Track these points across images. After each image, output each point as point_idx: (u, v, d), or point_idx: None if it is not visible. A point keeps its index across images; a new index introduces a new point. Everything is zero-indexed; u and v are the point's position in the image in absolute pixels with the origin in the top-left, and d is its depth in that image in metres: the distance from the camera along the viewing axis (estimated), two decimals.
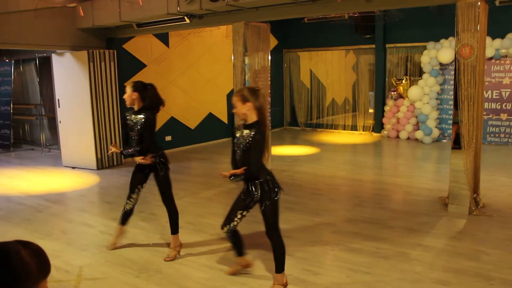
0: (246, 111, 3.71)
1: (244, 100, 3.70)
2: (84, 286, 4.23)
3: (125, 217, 5.02)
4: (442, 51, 10.93)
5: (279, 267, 3.95)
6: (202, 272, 4.38)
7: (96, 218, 6.32)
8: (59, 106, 9.70)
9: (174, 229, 4.88)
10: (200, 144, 11.70)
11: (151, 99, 4.61)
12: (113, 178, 8.60)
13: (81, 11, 8.00)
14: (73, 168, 9.40)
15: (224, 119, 12.49)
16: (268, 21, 7.90)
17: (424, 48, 11.55)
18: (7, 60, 12.11)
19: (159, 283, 4.20)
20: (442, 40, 11.14)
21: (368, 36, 12.71)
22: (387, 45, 12.53)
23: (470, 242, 5.02)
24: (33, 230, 5.83)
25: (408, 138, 11.95)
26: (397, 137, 12.21)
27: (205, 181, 8.09)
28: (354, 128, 13.65)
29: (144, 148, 4.61)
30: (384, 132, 12.55)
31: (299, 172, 8.66)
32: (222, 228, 4.05)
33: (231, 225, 4.04)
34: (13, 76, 11.91)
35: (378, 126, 12.90)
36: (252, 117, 3.72)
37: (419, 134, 11.53)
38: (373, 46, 12.75)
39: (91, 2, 8.39)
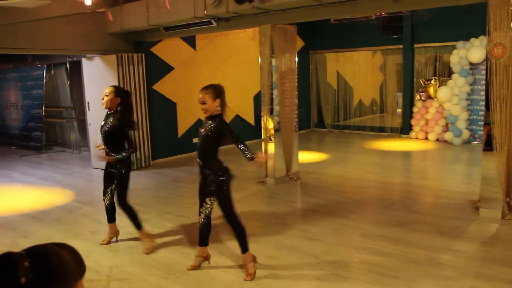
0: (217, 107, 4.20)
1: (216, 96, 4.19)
2: (113, 286, 4.30)
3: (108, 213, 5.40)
4: (473, 51, 10.71)
5: (243, 248, 4.35)
6: (230, 275, 4.40)
7: (125, 219, 6.36)
8: (89, 109, 9.88)
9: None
10: (227, 146, 11.72)
11: (129, 105, 5.08)
12: (141, 180, 8.70)
13: (110, 15, 8.14)
14: (102, 170, 9.53)
15: (251, 121, 12.51)
16: (295, 23, 7.88)
17: (454, 47, 11.33)
18: (39, 65, 12.41)
19: (186, 285, 4.24)
20: (472, 39, 10.90)
21: (396, 36, 12.54)
22: (415, 45, 12.34)
23: (503, 247, 4.89)
24: (64, 230, 5.96)
25: (437, 140, 11.74)
26: (426, 138, 12.01)
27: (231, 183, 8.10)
28: (381, 129, 13.49)
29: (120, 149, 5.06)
30: (413, 134, 12.36)
31: (325, 174, 8.61)
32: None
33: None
34: (45, 80, 12.20)
35: (406, 128, 12.72)
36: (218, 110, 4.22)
37: (448, 136, 11.32)
38: (401, 46, 12.57)
39: (119, 7, 8.53)
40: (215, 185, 4.26)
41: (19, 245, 5.47)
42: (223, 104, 4.25)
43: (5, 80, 13.75)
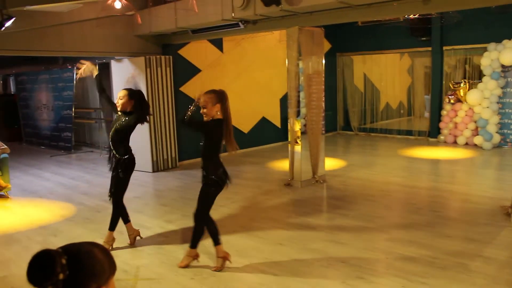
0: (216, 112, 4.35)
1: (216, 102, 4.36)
2: (140, 286, 4.35)
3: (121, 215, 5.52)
4: (505, 53, 10.48)
5: (215, 241, 4.56)
6: (255, 277, 4.40)
7: (152, 220, 6.48)
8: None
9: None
10: (253, 148, 11.76)
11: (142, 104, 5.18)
12: (168, 181, 8.80)
13: (139, 18, 8.25)
14: None
15: (277, 123, 12.51)
16: (322, 26, 7.85)
17: (485, 49, 11.11)
18: (69, 67, 12.67)
19: (213, 286, 4.26)
20: (505, 41, 10.66)
21: (424, 38, 12.37)
22: (444, 48, 12.13)
23: None
24: (92, 230, 6.07)
25: (466, 144, 11.53)
26: (455, 142, 11.80)
27: (258, 185, 8.13)
28: (409, 133, 13.30)
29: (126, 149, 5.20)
30: (441, 137, 12.16)
31: (352, 177, 8.54)
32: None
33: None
34: (75, 81, 12.45)
35: (434, 131, 12.52)
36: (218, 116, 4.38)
37: (478, 140, 11.10)
38: (430, 48, 12.38)
39: (148, 10, 8.65)
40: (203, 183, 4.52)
41: (51, 242, 5.60)
42: (224, 110, 4.38)
43: (37, 82, 14.08)
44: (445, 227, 5.66)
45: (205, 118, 4.40)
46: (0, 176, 7.59)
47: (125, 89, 5.22)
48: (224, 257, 4.60)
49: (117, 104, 5.14)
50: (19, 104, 15.44)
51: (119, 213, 5.33)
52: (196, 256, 4.69)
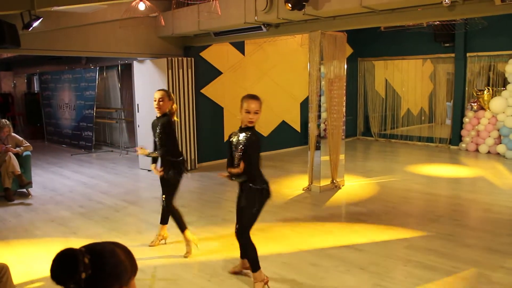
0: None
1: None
2: (157, 286, 4.37)
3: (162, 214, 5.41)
4: None
5: (254, 267, 4.10)
6: (273, 281, 4.38)
7: (170, 221, 6.49)
8: (138, 111, 10.13)
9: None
10: (272, 152, 11.75)
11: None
12: (187, 182, 8.83)
13: (162, 20, 8.32)
14: (149, 171, 9.76)
15: (297, 127, 12.48)
16: (345, 30, 7.82)
17: (510, 56, 10.94)
18: (92, 67, 12.84)
19: None
20: None
21: (448, 44, 12.24)
22: (468, 54, 11.97)
23: None
24: (110, 229, 6.12)
25: (489, 152, 11.34)
26: (476, 150, 11.63)
27: (276, 189, 8.11)
28: (430, 140, 13.14)
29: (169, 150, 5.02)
30: (463, 145, 11.99)
31: (371, 183, 8.47)
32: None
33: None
34: (97, 81, 12.60)
35: (455, 139, 12.35)
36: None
37: (500, 148, 10.92)
38: (453, 55, 12.24)
39: (171, 12, 8.71)
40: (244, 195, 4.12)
41: (70, 240, 5.67)
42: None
43: (60, 81, 14.30)
44: (466, 237, 5.57)
45: (251, 125, 4.06)
46: (23, 173, 7.71)
47: (162, 90, 5.06)
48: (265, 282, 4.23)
49: (155, 107, 4.96)
50: (42, 102, 15.70)
51: (170, 211, 5.18)
52: (265, 281, 4.20)
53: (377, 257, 4.94)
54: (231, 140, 4.16)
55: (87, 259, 1.40)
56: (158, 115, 5.05)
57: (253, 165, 4.00)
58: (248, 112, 4.00)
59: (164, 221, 5.37)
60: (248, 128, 4.03)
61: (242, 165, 3.93)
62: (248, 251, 4.13)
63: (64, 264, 1.40)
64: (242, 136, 4.02)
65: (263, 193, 4.04)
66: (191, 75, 9.70)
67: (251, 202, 4.02)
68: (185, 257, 5.00)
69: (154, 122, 5.10)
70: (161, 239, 5.45)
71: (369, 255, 5.00)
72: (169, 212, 5.17)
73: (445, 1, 5.53)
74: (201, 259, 4.99)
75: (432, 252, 5.04)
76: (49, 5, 4.63)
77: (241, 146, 3.97)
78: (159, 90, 5.06)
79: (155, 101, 4.97)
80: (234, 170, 3.97)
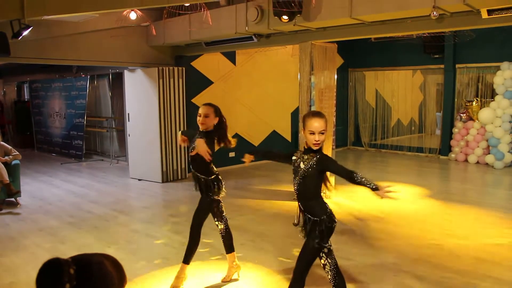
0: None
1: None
2: None
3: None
4: None
5: None
6: None
7: (160, 230, 6.48)
8: (128, 120, 10.10)
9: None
10: (262, 162, 11.74)
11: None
12: (177, 192, 8.81)
13: (154, 30, 8.34)
14: (139, 180, 9.73)
15: (288, 137, 12.50)
16: (335, 41, 7.88)
17: (498, 68, 11.07)
18: (83, 76, 12.80)
19: None
20: None
21: (437, 56, 12.36)
22: (457, 65, 12.10)
23: None
24: (100, 238, 6.08)
25: (478, 163, 11.43)
26: (466, 160, 11.71)
27: (267, 198, 8.10)
28: (419, 150, 13.22)
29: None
30: (452, 155, 12.08)
31: (360, 192, 8.47)
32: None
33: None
34: (88, 90, 12.56)
35: (445, 149, 12.44)
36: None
37: (489, 159, 11.00)
38: (442, 66, 12.37)
39: (163, 22, 8.73)
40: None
41: (59, 250, 5.62)
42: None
43: (50, 90, 14.24)
44: (455, 247, 5.59)
45: (317, 148, 3.38)
46: (11, 182, 7.64)
47: (209, 105, 4.50)
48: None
49: (199, 122, 4.41)
50: (32, 111, 15.61)
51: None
52: None
53: (366, 267, 4.95)
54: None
55: (73, 270, 1.39)
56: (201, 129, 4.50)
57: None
58: (312, 133, 3.30)
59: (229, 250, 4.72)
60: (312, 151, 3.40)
61: None
62: None
63: (49, 274, 1.39)
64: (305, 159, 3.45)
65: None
66: (182, 85, 9.71)
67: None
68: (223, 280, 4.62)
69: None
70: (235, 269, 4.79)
71: (358, 265, 5.00)
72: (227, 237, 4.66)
73: (433, 13, 5.59)
74: (191, 268, 4.95)
75: (420, 262, 5.07)
76: (39, 14, 4.62)
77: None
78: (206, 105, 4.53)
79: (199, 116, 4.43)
80: None
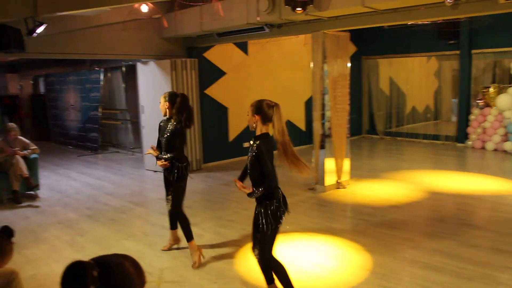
0: (254, 122, 3.78)
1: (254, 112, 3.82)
2: None
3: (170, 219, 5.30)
4: None
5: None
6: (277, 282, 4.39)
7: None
8: (143, 112, 10.16)
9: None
10: (276, 151, 11.72)
11: (178, 108, 4.89)
12: (192, 183, 8.81)
13: (165, 22, 8.34)
14: (154, 171, 9.80)
15: (302, 126, 12.47)
16: (348, 30, 7.81)
17: None
18: (97, 69, 12.89)
19: None
20: None
21: (452, 41, 12.17)
22: (473, 51, 11.91)
23: None
24: (117, 230, 6.16)
25: (495, 150, 11.29)
26: (483, 148, 11.58)
27: (282, 188, 8.10)
28: (435, 137, 13.10)
29: (175, 155, 4.95)
30: (469, 143, 11.95)
31: (376, 182, 8.46)
32: (253, 250, 3.93)
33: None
34: (102, 83, 12.66)
35: (462, 136, 12.31)
36: (261, 129, 3.79)
37: (508, 146, 10.86)
38: (458, 52, 12.18)
39: (174, 14, 8.73)
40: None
41: (78, 242, 5.71)
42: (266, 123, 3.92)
43: (65, 83, 14.37)
44: (472, 237, 5.55)
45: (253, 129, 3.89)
46: (30, 176, 7.76)
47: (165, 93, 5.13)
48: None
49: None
50: (48, 104, 15.79)
51: (184, 219, 5.02)
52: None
53: (383, 258, 4.94)
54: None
55: (96, 272, 1.43)
56: (164, 116, 5.10)
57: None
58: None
59: (173, 226, 5.28)
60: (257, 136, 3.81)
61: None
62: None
63: (73, 277, 1.43)
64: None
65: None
66: (195, 76, 9.73)
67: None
68: (194, 267, 4.84)
69: (163, 124, 5.11)
70: (173, 244, 5.38)
71: (374, 256, 5.00)
72: (177, 217, 5.06)
73: (447, 0, 5.51)
74: (207, 261, 5.00)
75: (437, 253, 5.04)
76: (52, 11, 4.66)
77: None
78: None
79: (160, 103, 5.06)
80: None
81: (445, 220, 6.25)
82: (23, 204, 7.61)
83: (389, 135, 14.14)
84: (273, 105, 3.81)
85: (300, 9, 6.14)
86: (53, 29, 7.22)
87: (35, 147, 8.14)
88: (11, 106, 17.23)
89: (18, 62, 15.81)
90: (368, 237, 5.59)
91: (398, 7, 6.40)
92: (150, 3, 6.55)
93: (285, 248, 5.31)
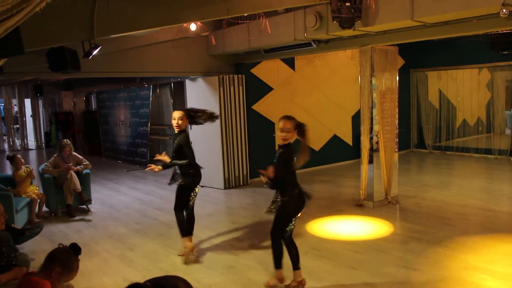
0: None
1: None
2: None
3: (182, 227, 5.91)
4: None
5: (295, 265, 4.61)
6: None
7: (223, 237, 6.58)
8: (190, 128, 10.33)
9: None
10: (324, 166, 11.66)
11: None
12: (239, 198, 8.91)
13: (213, 39, 8.51)
14: (201, 186, 9.90)
15: (349, 141, 12.33)
16: (396, 44, 7.70)
17: None
18: (146, 85, 13.25)
19: None
20: None
21: (506, 52, 11.77)
22: None
23: None
24: (166, 245, 6.26)
25: None
26: None
27: (328, 204, 8.04)
28: (488, 151, 12.64)
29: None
30: None
31: (426, 199, 8.24)
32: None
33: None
34: (151, 99, 12.98)
35: None
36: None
37: None
38: (511, 62, 11.77)
39: (222, 31, 8.89)
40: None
41: (128, 257, 5.84)
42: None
43: (116, 100, 14.83)
44: None
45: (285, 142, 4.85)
46: (83, 190, 8.03)
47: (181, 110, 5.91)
48: (301, 283, 4.61)
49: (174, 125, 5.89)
50: (99, 120, 16.33)
51: (181, 218, 5.91)
52: (280, 280, 4.66)
53: (433, 277, 4.80)
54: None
55: None
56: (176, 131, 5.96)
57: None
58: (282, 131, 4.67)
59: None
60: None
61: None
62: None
63: None
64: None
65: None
66: (242, 92, 9.84)
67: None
68: (179, 254, 5.74)
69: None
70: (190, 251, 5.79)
71: (425, 275, 4.87)
72: (190, 220, 5.91)
73: (502, 11, 5.34)
74: (255, 277, 4.99)
75: (492, 273, 4.84)
76: (108, 34, 4.85)
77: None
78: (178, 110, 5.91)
79: (174, 119, 5.84)
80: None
81: (499, 238, 5.99)
82: (76, 218, 7.87)
83: (439, 149, 13.76)
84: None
85: (348, 25, 6.10)
86: (105, 49, 7.50)
87: (87, 162, 8.42)
88: (65, 122, 17.97)
89: (72, 79, 16.49)
90: (418, 256, 5.43)
91: (449, 20, 6.27)
92: (199, 22, 6.71)
93: (335, 265, 5.23)
